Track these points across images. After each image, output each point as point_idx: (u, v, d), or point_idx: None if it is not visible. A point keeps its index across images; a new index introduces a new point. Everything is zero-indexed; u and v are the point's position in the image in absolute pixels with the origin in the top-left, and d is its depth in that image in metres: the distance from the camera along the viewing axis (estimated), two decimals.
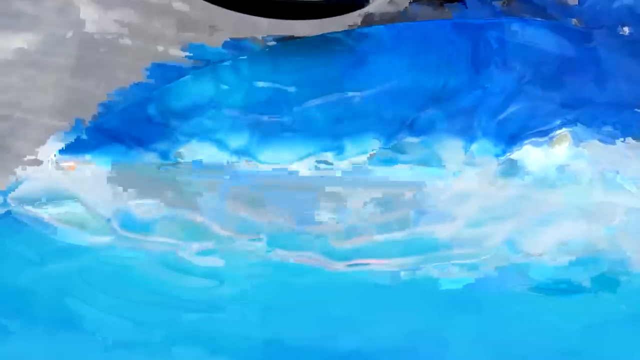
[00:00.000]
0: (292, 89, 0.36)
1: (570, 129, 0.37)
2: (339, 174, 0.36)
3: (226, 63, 0.36)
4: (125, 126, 0.35)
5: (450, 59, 0.37)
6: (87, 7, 0.36)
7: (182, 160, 0.36)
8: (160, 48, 0.36)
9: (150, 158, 0.35)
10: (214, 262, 0.35)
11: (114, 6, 0.36)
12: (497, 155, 0.37)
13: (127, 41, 0.36)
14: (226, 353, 0.35)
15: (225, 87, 0.36)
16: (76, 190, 0.35)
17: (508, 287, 0.36)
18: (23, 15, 0.35)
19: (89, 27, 0.36)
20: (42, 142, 0.33)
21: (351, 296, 0.35)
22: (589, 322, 0.36)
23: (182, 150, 0.36)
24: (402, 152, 0.36)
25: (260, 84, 0.36)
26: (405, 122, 0.36)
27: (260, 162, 0.36)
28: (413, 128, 0.37)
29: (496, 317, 0.36)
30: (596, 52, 0.37)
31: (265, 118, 0.36)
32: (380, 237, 0.36)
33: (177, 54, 0.35)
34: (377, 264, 0.36)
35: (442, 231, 0.36)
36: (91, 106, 0.34)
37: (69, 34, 0.35)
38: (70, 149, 0.35)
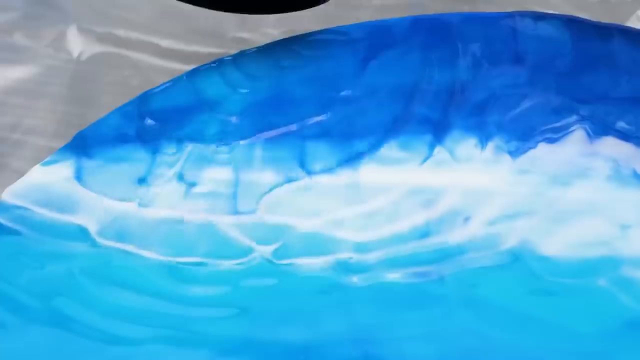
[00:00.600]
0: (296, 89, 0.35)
1: (585, 125, 0.35)
2: (351, 177, 0.35)
3: (228, 58, 0.35)
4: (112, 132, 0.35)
5: (461, 53, 0.35)
6: (79, 40, 0.39)
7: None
8: (143, 76, 0.38)
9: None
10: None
11: (103, 39, 0.39)
12: (511, 153, 0.35)
13: (113, 71, 0.38)
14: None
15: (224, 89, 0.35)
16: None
17: (523, 288, 0.34)
18: (21, 49, 0.38)
19: (81, 58, 0.38)
20: (39, 161, 0.35)
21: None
22: (606, 324, 0.33)
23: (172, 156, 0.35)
24: (412, 150, 0.35)
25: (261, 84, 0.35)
26: (415, 119, 0.35)
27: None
28: (424, 125, 0.35)
29: (510, 319, 0.33)
30: (611, 46, 0.35)
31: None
32: (392, 239, 0.34)
33: (158, 79, 0.37)
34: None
35: (455, 232, 0.34)
36: (81, 129, 0.35)
37: (63, 65, 0.38)
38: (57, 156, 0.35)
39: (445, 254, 0.34)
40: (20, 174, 0.35)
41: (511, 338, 0.33)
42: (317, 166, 0.35)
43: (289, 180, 0.35)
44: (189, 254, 0.34)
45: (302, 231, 0.35)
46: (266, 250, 0.35)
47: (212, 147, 0.35)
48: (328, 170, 0.35)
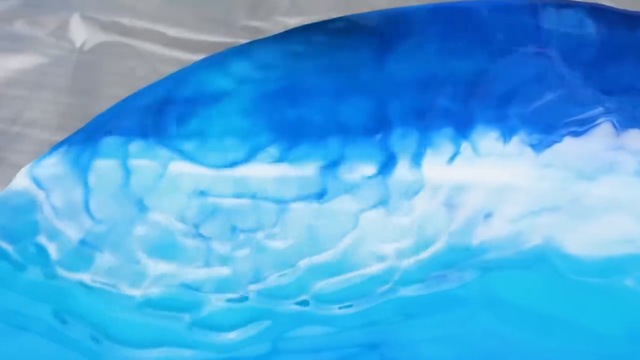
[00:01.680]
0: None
1: (612, 118, 0.34)
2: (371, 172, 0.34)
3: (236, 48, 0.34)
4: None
5: (482, 43, 0.34)
6: (83, 29, 0.37)
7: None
8: (149, 66, 0.37)
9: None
10: None
11: (107, 27, 0.38)
12: (534, 146, 0.34)
13: (117, 61, 0.37)
14: None
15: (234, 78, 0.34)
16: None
17: (546, 288, 0.33)
18: (22, 37, 0.37)
19: (84, 47, 0.37)
20: (39, 155, 0.34)
21: None
22: (633, 325, 0.32)
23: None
24: (433, 144, 0.34)
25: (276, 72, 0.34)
26: (435, 111, 0.34)
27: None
28: (445, 118, 0.34)
29: (532, 320, 0.32)
30: (638, 35, 0.34)
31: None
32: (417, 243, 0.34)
33: (164, 69, 0.36)
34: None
35: (477, 231, 0.33)
36: (85, 122, 0.35)
37: (65, 54, 0.37)
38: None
39: (467, 255, 0.33)
40: (20, 168, 0.34)
41: (533, 340, 0.32)
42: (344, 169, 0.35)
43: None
44: None
45: None
46: None
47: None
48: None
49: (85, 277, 0.33)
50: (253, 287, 0.33)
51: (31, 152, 0.36)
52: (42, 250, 0.33)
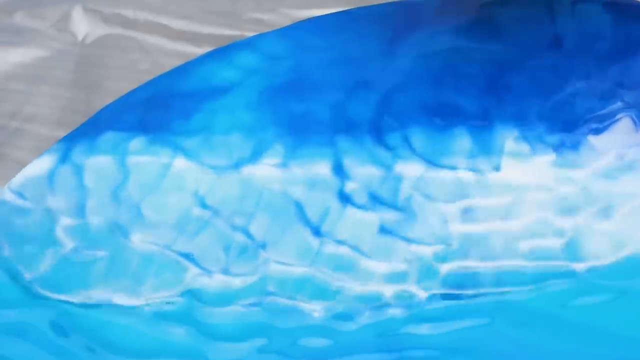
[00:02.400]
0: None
1: (631, 113, 0.33)
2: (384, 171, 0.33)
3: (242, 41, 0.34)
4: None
5: (497, 36, 0.33)
6: (85, 21, 0.37)
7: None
8: (152, 59, 0.36)
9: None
10: None
11: (110, 20, 0.37)
12: (553, 145, 0.33)
13: (120, 54, 0.37)
14: None
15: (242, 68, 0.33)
16: None
17: (566, 291, 0.31)
18: (22, 30, 0.37)
19: (86, 40, 0.37)
20: (40, 151, 0.33)
21: None
22: None
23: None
24: (448, 143, 0.33)
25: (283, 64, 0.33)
26: (447, 107, 0.33)
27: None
28: (460, 114, 0.33)
29: (552, 325, 0.31)
30: None
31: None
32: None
33: (168, 62, 0.35)
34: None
35: (494, 233, 0.32)
36: (87, 116, 0.34)
37: (67, 47, 0.37)
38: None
39: (483, 259, 0.32)
40: (20, 164, 0.33)
41: (551, 345, 0.31)
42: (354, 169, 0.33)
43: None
44: None
45: None
46: None
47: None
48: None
49: (80, 290, 0.32)
50: (255, 300, 0.32)
51: (31, 147, 0.35)
52: (35, 259, 0.32)
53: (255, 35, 0.34)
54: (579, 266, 0.32)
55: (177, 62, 0.34)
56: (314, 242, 0.32)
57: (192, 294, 0.32)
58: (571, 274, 0.32)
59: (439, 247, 0.32)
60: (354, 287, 0.32)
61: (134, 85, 0.33)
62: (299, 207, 0.33)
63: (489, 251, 0.32)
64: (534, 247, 0.32)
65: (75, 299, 0.31)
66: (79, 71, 0.36)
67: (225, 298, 0.32)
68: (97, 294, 0.32)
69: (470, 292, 0.32)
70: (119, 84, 0.35)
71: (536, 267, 0.32)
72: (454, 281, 0.32)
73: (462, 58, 0.34)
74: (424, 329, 0.31)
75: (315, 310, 0.32)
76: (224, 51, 0.34)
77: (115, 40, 0.37)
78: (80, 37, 0.37)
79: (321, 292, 0.32)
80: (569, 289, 0.32)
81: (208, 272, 0.32)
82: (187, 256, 0.32)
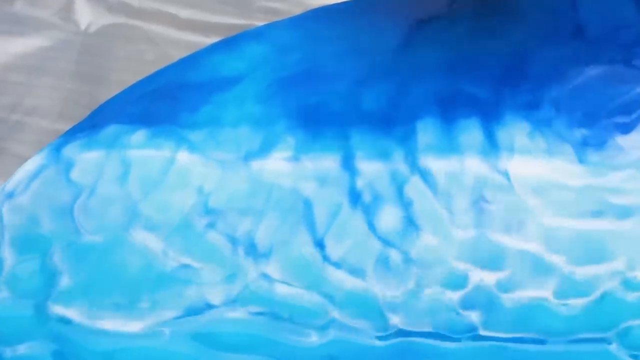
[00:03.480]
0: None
1: None
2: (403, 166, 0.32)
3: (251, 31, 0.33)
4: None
5: (516, 23, 0.32)
6: (88, 10, 0.36)
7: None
8: (159, 50, 0.36)
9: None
10: None
11: (114, 8, 0.36)
12: (574, 139, 0.32)
13: (125, 45, 0.36)
14: None
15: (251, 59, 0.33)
16: None
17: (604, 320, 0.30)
18: (23, 19, 0.36)
19: (90, 30, 0.36)
20: (42, 145, 0.33)
21: None
22: None
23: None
24: (458, 138, 0.32)
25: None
26: (462, 97, 0.32)
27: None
28: (471, 105, 0.32)
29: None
30: None
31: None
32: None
33: (175, 53, 0.35)
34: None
35: (510, 243, 0.31)
36: (91, 109, 0.33)
37: (69, 37, 0.36)
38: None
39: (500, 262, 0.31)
40: (21, 159, 0.33)
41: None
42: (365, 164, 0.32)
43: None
44: None
45: None
46: None
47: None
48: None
49: (76, 309, 0.31)
50: (255, 309, 0.31)
51: (32, 141, 0.34)
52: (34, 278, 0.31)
53: (265, 25, 0.33)
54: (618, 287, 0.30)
55: (185, 53, 0.33)
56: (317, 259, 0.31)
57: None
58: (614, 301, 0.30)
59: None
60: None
61: (139, 77, 0.33)
62: (308, 205, 0.31)
63: (503, 253, 0.31)
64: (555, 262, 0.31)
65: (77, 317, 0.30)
66: (82, 62, 0.36)
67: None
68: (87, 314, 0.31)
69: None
70: (124, 75, 0.35)
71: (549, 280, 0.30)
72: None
73: (479, 47, 0.33)
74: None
75: (311, 334, 0.31)
76: (233, 41, 0.33)
77: (119, 30, 0.36)
78: (83, 26, 0.36)
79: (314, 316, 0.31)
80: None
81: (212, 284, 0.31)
82: (188, 267, 0.31)
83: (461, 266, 0.31)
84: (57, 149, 0.32)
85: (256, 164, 0.32)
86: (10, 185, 0.31)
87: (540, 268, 0.30)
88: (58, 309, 0.30)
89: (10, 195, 0.31)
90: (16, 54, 0.36)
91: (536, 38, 0.32)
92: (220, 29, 0.36)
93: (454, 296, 0.30)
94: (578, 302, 0.30)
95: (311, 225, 0.31)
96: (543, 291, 0.30)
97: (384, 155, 0.32)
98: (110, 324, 0.30)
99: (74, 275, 0.31)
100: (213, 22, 0.36)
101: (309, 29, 0.33)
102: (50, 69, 0.36)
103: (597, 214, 0.31)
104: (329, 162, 0.32)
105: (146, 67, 0.34)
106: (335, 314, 0.30)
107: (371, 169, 0.32)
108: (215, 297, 0.31)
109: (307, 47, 0.33)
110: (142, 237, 0.31)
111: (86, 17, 0.36)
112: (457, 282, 0.31)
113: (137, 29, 0.36)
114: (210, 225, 0.31)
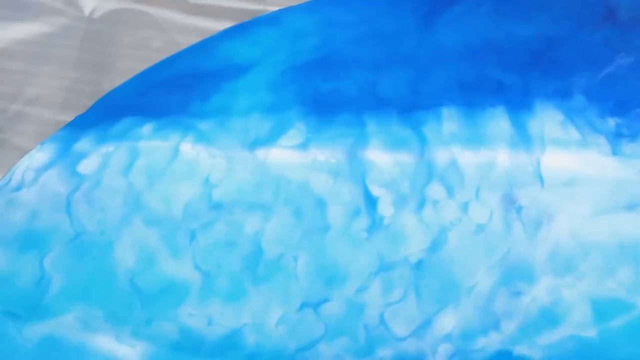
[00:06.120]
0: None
1: None
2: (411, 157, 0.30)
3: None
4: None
5: (543, 7, 0.31)
6: None
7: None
8: (166, 36, 0.34)
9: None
10: None
11: None
12: (605, 129, 0.30)
13: (131, 31, 0.35)
14: None
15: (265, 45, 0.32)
16: None
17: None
18: (24, 4, 0.35)
19: (94, 15, 0.35)
20: (44, 136, 0.31)
21: None
22: None
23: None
24: (484, 127, 0.30)
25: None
26: (487, 84, 0.31)
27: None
28: (497, 92, 0.31)
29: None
30: None
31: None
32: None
33: (184, 40, 0.34)
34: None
35: (537, 241, 0.29)
36: (95, 99, 0.32)
37: (73, 23, 0.35)
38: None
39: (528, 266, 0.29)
40: (22, 151, 0.31)
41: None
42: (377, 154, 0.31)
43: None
44: None
45: None
46: None
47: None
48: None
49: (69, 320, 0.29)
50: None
51: (33, 133, 0.33)
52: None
53: (279, 10, 0.32)
54: None
55: (194, 40, 0.33)
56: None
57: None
58: None
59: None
60: None
61: (146, 65, 0.32)
62: (321, 204, 0.30)
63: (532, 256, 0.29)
64: (588, 257, 0.29)
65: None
66: (86, 49, 0.34)
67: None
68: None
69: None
70: (130, 63, 0.34)
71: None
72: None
73: (505, 32, 0.31)
74: None
75: None
76: (246, 27, 0.32)
77: (125, 15, 0.35)
78: (87, 12, 0.35)
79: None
80: None
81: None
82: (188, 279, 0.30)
83: None
84: (67, 142, 0.31)
85: (261, 153, 0.31)
86: (14, 180, 0.30)
87: None
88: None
89: (14, 190, 0.30)
90: (16, 40, 0.34)
91: (564, 21, 0.31)
92: (232, 14, 0.35)
93: None
94: None
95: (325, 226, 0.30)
96: None
97: (401, 144, 0.31)
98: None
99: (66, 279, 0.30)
100: (225, 6, 0.35)
101: (325, 13, 0.32)
102: (52, 57, 0.34)
103: (631, 207, 0.29)
104: (339, 153, 0.31)
105: (153, 55, 0.33)
106: None
107: (387, 163, 0.31)
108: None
109: (323, 32, 0.32)
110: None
111: (90, 1, 0.35)
112: None
113: (143, 14, 0.35)
114: (210, 231, 0.30)
